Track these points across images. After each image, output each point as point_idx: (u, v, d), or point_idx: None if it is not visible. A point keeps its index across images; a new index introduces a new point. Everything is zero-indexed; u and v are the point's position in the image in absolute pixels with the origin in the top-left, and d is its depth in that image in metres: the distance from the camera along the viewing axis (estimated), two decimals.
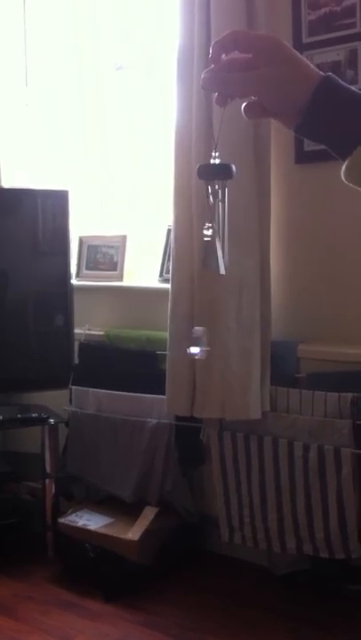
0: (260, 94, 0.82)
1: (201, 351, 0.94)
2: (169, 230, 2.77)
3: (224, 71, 0.83)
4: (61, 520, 2.73)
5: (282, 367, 2.50)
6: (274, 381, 2.48)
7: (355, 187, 0.81)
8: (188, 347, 0.95)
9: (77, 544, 2.64)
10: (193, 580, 2.64)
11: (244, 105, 0.84)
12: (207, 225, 0.88)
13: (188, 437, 2.66)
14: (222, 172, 0.88)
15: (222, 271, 0.88)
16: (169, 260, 2.71)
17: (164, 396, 2.61)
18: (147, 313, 2.92)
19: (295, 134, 0.84)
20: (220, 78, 0.83)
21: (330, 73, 0.81)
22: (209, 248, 0.89)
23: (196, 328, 0.95)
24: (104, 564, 2.58)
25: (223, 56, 0.83)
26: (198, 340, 0.94)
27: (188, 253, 2.53)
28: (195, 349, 0.94)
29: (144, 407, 2.74)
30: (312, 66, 0.82)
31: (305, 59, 0.82)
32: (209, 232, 0.88)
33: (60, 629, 2.37)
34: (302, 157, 2.53)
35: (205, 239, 0.88)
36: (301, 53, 0.84)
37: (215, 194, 0.88)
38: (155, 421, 2.69)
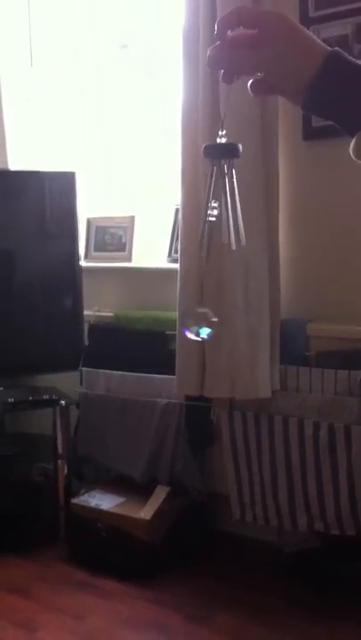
0: (267, 71, 0.81)
1: (209, 334, 0.90)
2: (177, 210, 2.76)
3: (230, 48, 0.82)
4: (74, 500, 2.75)
5: (291, 346, 2.49)
6: (283, 360, 2.47)
7: None
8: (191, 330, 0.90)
9: (89, 524, 2.66)
10: (203, 558, 2.65)
11: (250, 82, 0.83)
12: (212, 205, 0.87)
13: (198, 417, 2.66)
14: (229, 152, 0.86)
15: (235, 247, 0.87)
16: (177, 240, 2.70)
17: (174, 377, 2.61)
18: (155, 293, 2.92)
19: (302, 111, 0.83)
20: (226, 56, 0.82)
21: (337, 48, 0.80)
22: (217, 226, 0.87)
23: (197, 309, 0.92)
24: (116, 543, 2.59)
25: (228, 33, 0.82)
26: (202, 321, 0.91)
27: (196, 233, 2.52)
28: (204, 333, 0.90)
29: (154, 387, 2.74)
30: (318, 41, 0.80)
31: (311, 34, 0.81)
32: (214, 212, 0.87)
33: (72, 609, 2.39)
34: (310, 134, 2.50)
35: (210, 219, 0.87)
36: (308, 28, 0.83)
37: (222, 173, 0.87)
38: (165, 401, 2.69)
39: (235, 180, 0.86)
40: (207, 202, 0.87)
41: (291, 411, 2.42)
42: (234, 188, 0.86)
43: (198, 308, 0.91)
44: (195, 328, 0.89)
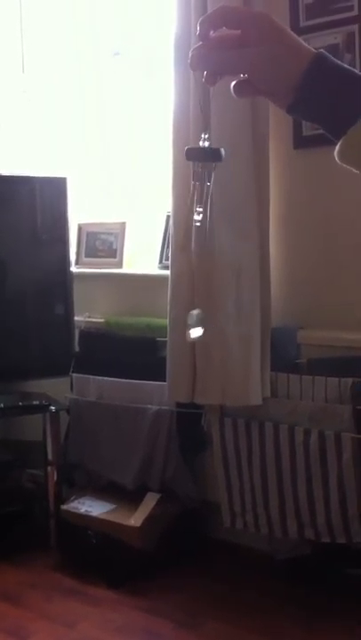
0: (251, 73, 0.79)
1: (200, 334, 0.91)
2: (168, 217, 2.76)
3: (213, 49, 0.80)
4: (64, 507, 2.74)
5: (282, 353, 2.50)
6: (274, 367, 2.48)
7: (349, 167, 0.79)
8: (188, 332, 0.91)
9: (80, 531, 2.65)
10: (195, 565, 2.65)
11: (233, 83, 0.81)
12: (197, 209, 0.87)
13: (189, 424, 2.66)
14: (211, 156, 0.86)
15: (211, 252, 0.87)
16: (168, 246, 2.70)
17: (165, 383, 2.61)
18: (147, 300, 2.92)
19: (288, 114, 0.81)
20: (209, 56, 0.80)
21: (322, 50, 0.79)
22: (200, 232, 0.88)
23: (192, 312, 0.92)
24: (106, 550, 2.59)
25: (212, 33, 0.80)
26: (196, 322, 0.91)
27: (187, 240, 2.52)
28: (195, 333, 0.91)
29: (145, 394, 2.74)
30: (303, 43, 0.79)
31: (295, 35, 0.79)
32: (199, 217, 0.87)
33: (63, 616, 2.38)
34: (301, 142, 2.51)
35: (196, 224, 0.87)
36: (299, 37, 0.82)
37: (203, 177, 0.86)
38: (155, 408, 2.69)
39: (211, 185, 0.86)
40: (191, 205, 0.87)
41: (282, 418, 2.42)
42: (209, 192, 0.86)
43: (195, 310, 0.92)
44: (196, 328, 0.91)
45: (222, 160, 0.85)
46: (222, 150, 0.85)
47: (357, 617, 2.28)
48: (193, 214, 0.87)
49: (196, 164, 0.86)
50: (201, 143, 0.87)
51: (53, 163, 3.30)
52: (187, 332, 0.91)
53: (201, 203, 0.87)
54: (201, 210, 0.86)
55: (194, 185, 0.87)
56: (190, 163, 0.87)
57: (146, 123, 3.10)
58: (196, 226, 0.87)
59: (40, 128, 3.36)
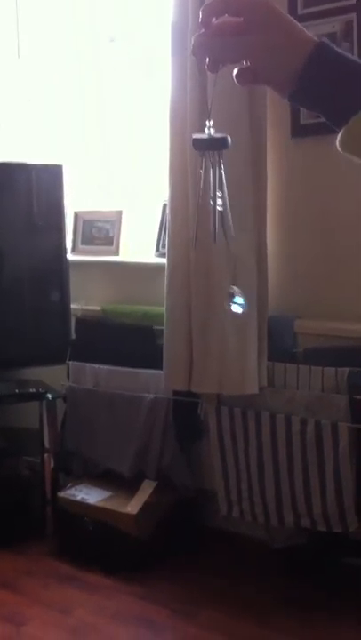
0: (253, 61, 0.79)
1: (243, 307, 0.91)
2: (165, 205, 2.75)
3: (215, 36, 0.79)
4: (61, 494, 2.75)
5: (279, 342, 2.50)
6: (271, 357, 2.48)
7: (350, 157, 0.79)
8: (228, 305, 0.91)
9: (76, 518, 2.66)
10: (190, 553, 2.66)
11: (235, 71, 0.81)
12: (219, 194, 0.86)
13: (185, 412, 2.67)
14: (217, 143, 0.86)
15: (221, 241, 0.87)
16: (165, 234, 2.69)
17: (162, 372, 2.61)
18: (143, 288, 2.91)
19: (289, 102, 0.81)
20: (211, 44, 0.80)
21: (324, 38, 0.79)
22: (205, 218, 0.88)
23: (232, 286, 0.93)
24: (103, 537, 2.60)
25: (214, 20, 0.79)
26: (234, 297, 0.92)
27: (184, 228, 2.52)
28: (236, 308, 0.91)
29: (141, 382, 2.75)
30: (305, 31, 0.79)
31: (297, 23, 0.79)
32: (219, 202, 0.87)
33: (59, 602, 2.40)
34: (299, 131, 2.50)
35: (219, 209, 0.87)
36: None
37: (211, 165, 0.86)
38: (152, 396, 2.70)
39: (223, 172, 0.86)
40: (209, 192, 0.87)
41: (278, 407, 2.43)
42: (223, 180, 0.86)
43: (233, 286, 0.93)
44: (236, 304, 0.91)
45: (229, 147, 0.85)
46: (228, 138, 0.85)
47: (353, 606, 2.30)
48: (199, 202, 0.87)
49: (205, 152, 0.86)
50: (206, 131, 0.86)
51: (50, 150, 3.28)
52: (229, 304, 0.91)
53: (209, 190, 0.86)
54: (220, 195, 0.86)
55: (205, 173, 0.86)
56: (188, 151, 0.87)
57: (143, 111, 3.08)
58: (199, 213, 0.87)
59: (36, 116, 3.34)
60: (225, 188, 0.86)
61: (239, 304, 0.91)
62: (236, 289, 0.92)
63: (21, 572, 2.58)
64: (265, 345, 2.48)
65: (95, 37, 3.18)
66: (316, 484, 2.34)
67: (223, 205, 0.87)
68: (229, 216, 0.87)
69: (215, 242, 0.87)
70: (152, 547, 2.59)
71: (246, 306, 0.91)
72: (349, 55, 0.78)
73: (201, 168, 0.85)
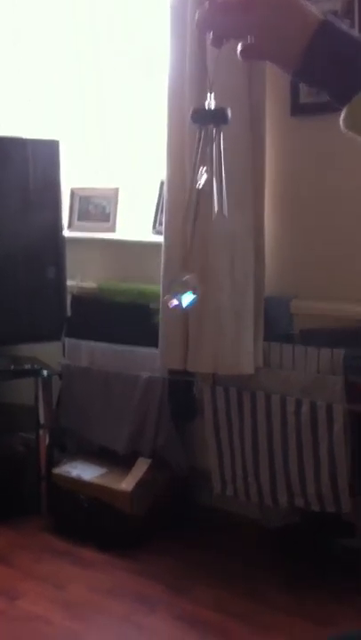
0: (259, 36, 0.79)
1: (191, 301, 0.84)
2: (162, 183, 2.73)
3: (220, 11, 0.79)
4: (56, 471, 2.77)
5: (275, 323, 2.50)
6: (267, 337, 2.49)
7: (353, 135, 0.79)
8: (172, 299, 0.85)
9: (71, 494, 2.68)
10: (184, 531, 2.69)
11: (239, 47, 0.80)
12: (202, 170, 0.85)
13: (180, 392, 2.68)
14: (217, 117, 0.85)
15: (225, 213, 0.86)
16: (162, 212, 2.68)
17: (157, 350, 2.61)
18: (139, 266, 2.90)
19: (293, 79, 0.82)
20: (215, 19, 0.79)
21: (329, 15, 0.78)
22: (203, 194, 0.85)
23: (180, 277, 0.86)
24: (97, 514, 2.62)
25: None
26: (186, 287, 0.85)
27: (181, 205, 2.50)
28: (186, 299, 0.84)
29: (137, 361, 2.75)
30: (310, 6, 0.78)
31: None
32: (202, 178, 0.85)
33: (53, 577, 2.42)
34: (298, 110, 2.48)
35: (198, 186, 0.85)
36: None
37: (210, 139, 0.85)
38: (147, 375, 2.70)
39: (222, 147, 0.85)
40: (195, 168, 0.85)
41: (273, 388, 2.44)
42: (221, 154, 0.85)
43: (183, 274, 0.87)
44: (178, 295, 0.85)
45: (228, 122, 0.84)
46: (229, 111, 0.84)
47: (344, 585, 2.33)
48: (197, 177, 0.85)
49: (202, 126, 0.85)
50: (206, 104, 0.85)
51: (47, 125, 3.24)
52: (171, 299, 0.85)
53: (210, 165, 0.85)
54: (205, 170, 0.85)
55: (197, 146, 0.85)
56: (186, 129, 0.85)
57: (141, 86, 3.04)
58: (198, 189, 0.85)
59: (32, 91, 3.29)
60: (223, 162, 0.85)
61: (187, 299, 0.84)
62: (190, 280, 0.86)
63: (16, 547, 2.60)
64: (261, 325, 2.48)
65: (93, 10, 3.13)
66: (311, 464, 2.36)
67: (219, 179, 0.85)
68: (224, 190, 0.85)
69: (217, 214, 0.85)
70: (146, 523, 2.61)
71: (193, 304, 0.84)
72: (354, 32, 0.78)
73: (198, 141, 0.84)
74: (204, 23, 0.80)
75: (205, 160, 0.85)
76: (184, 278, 0.87)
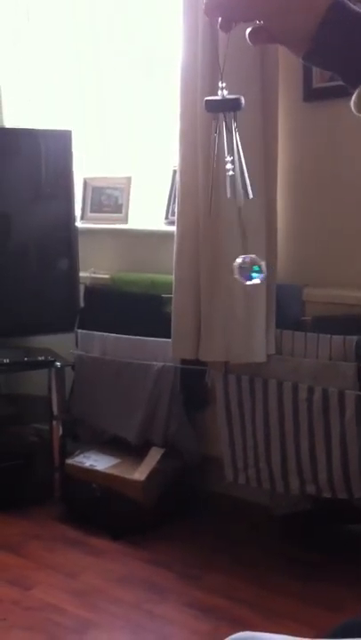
0: (267, 19, 0.78)
1: (262, 277, 0.88)
2: (174, 172, 2.73)
3: None
4: (69, 461, 2.77)
5: (287, 310, 2.49)
6: (279, 325, 2.47)
7: None
8: (240, 276, 0.89)
9: (84, 484, 2.68)
10: (196, 519, 2.68)
11: (248, 30, 0.80)
12: (229, 158, 0.85)
13: (192, 381, 2.67)
14: (230, 104, 0.84)
15: (251, 195, 0.86)
16: (174, 202, 2.67)
17: (170, 340, 2.61)
18: (152, 256, 2.90)
19: (303, 62, 0.80)
20: (224, 2, 0.78)
21: None
22: (232, 180, 0.86)
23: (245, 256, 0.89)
24: (110, 503, 2.62)
25: None
26: (248, 268, 0.89)
27: (193, 195, 2.49)
28: (255, 279, 0.88)
29: (149, 350, 2.74)
30: None
31: None
32: (229, 166, 0.86)
33: (65, 566, 2.42)
34: (311, 95, 2.46)
35: (229, 173, 0.86)
36: None
37: (228, 128, 0.85)
38: (160, 365, 2.69)
39: (237, 134, 0.85)
40: (214, 157, 0.85)
41: (285, 375, 2.42)
42: (237, 141, 0.85)
43: (245, 256, 0.89)
44: (254, 274, 0.88)
45: (242, 108, 0.84)
46: (242, 99, 0.84)
47: (355, 572, 2.31)
48: (213, 167, 0.86)
49: (218, 115, 0.85)
50: (219, 92, 0.85)
51: (58, 116, 3.25)
52: (241, 278, 0.88)
53: (230, 153, 0.85)
54: (230, 160, 0.85)
55: (218, 136, 0.85)
56: (199, 118, 0.85)
57: (153, 75, 3.04)
58: (229, 175, 0.86)
59: (45, 80, 3.30)
60: (241, 151, 0.85)
61: (258, 274, 0.88)
62: (248, 258, 0.89)
63: (29, 537, 2.61)
64: (273, 313, 2.47)
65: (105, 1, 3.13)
66: (322, 450, 2.34)
67: (240, 168, 0.86)
68: (247, 179, 0.86)
69: (239, 204, 0.86)
70: (158, 512, 2.61)
71: (264, 273, 0.88)
72: None
73: (215, 132, 0.84)
74: (213, 7, 0.79)
75: (226, 149, 0.85)
76: (249, 259, 0.89)
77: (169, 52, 2.83)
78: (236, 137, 0.85)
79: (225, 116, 0.85)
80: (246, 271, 0.89)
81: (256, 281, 0.89)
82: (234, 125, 0.85)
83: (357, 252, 2.45)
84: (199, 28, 2.40)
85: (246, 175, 0.86)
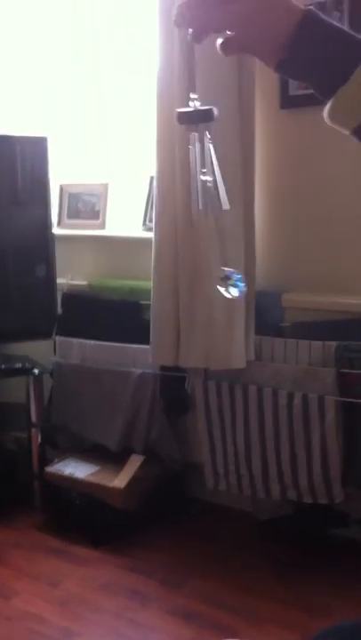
0: (239, 30, 0.77)
1: (240, 292, 0.88)
2: (152, 178, 2.73)
3: (198, 5, 0.77)
4: (48, 469, 2.76)
5: (267, 317, 2.50)
6: (259, 331, 2.48)
7: (338, 128, 0.78)
8: (222, 288, 0.89)
9: (64, 492, 2.67)
10: (177, 526, 2.68)
11: (220, 41, 0.79)
12: (202, 170, 0.85)
13: (172, 387, 2.67)
14: (203, 116, 0.84)
15: (226, 207, 0.86)
16: (152, 208, 2.67)
17: (149, 346, 2.61)
18: (130, 262, 2.90)
19: (276, 72, 0.79)
20: (194, 13, 0.77)
21: (311, 6, 0.77)
22: (207, 191, 0.86)
23: (224, 268, 0.90)
24: (90, 511, 2.61)
25: None
26: (228, 279, 0.89)
27: (171, 202, 2.50)
28: (233, 291, 0.88)
29: (128, 357, 2.74)
30: None
31: None
32: (205, 177, 0.86)
33: (46, 575, 2.41)
34: (287, 102, 2.47)
35: (204, 184, 0.86)
36: None
37: (200, 138, 0.85)
38: (139, 371, 2.69)
39: (211, 146, 0.85)
40: (192, 167, 0.85)
41: (265, 381, 2.43)
42: (211, 152, 0.85)
43: (224, 268, 0.90)
44: (233, 287, 0.89)
45: (214, 119, 0.84)
46: (214, 109, 0.84)
47: (338, 576, 2.33)
48: (196, 177, 0.86)
49: (192, 126, 0.85)
50: (191, 104, 0.84)
51: (33, 123, 3.23)
52: (224, 288, 0.88)
53: (204, 165, 0.85)
54: (205, 171, 0.85)
55: (188, 149, 0.85)
56: (176, 124, 0.85)
57: (129, 82, 3.04)
58: (205, 186, 0.86)
59: (19, 87, 3.28)
60: (215, 162, 0.85)
61: (237, 286, 0.88)
62: (227, 270, 0.89)
63: (8, 545, 2.59)
64: (253, 319, 2.48)
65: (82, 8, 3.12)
66: (303, 456, 2.36)
67: (214, 180, 0.86)
68: (221, 191, 0.86)
69: (204, 217, 0.86)
70: (139, 519, 2.61)
71: (244, 287, 0.88)
72: (337, 24, 0.77)
73: (190, 144, 0.84)
74: (182, 19, 0.78)
75: (199, 161, 0.85)
76: (231, 272, 0.90)
77: (146, 59, 2.83)
78: (210, 148, 0.85)
79: (199, 128, 0.84)
80: (229, 284, 0.89)
81: (236, 294, 0.89)
82: (208, 137, 0.84)
83: (336, 258, 2.48)
84: (175, 35, 2.41)
85: (221, 187, 0.86)
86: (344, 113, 0.76)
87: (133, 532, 2.59)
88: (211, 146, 0.85)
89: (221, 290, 0.89)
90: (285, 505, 2.52)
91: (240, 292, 0.89)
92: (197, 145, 0.85)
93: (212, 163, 0.86)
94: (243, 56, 2.12)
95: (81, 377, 2.83)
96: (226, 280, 0.89)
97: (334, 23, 0.77)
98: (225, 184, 0.85)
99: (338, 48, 0.75)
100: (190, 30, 0.79)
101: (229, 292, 0.88)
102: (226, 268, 0.89)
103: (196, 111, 0.84)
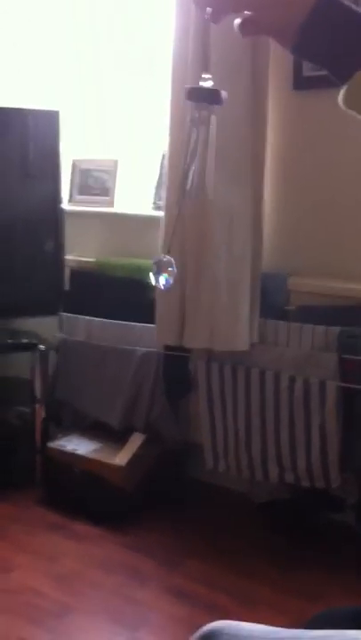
0: (256, 11, 0.77)
1: (167, 283, 0.87)
2: (163, 156, 2.70)
3: None
4: (51, 445, 2.77)
5: (272, 299, 2.48)
6: (263, 313, 2.47)
7: (353, 113, 0.77)
8: (152, 273, 0.87)
9: (65, 468, 2.68)
10: (176, 505, 2.69)
11: (237, 21, 0.79)
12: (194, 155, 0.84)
13: (175, 367, 2.67)
14: (211, 97, 0.83)
15: (209, 196, 0.85)
16: (162, 187, 2.65)
17: (154, 325, 2.60)
18: (138, 241, 2.88)
19: (292, 54, 0.79)
20: None
21: None
22: (190, 175, 0.85)
23: (165, 255, 0.87)
24: (91, 488, 2.62)
25: None
26: (162, 269, 0.87)
27: (181, 181, 2.47)
28: (161, 280, 0.86)
29: (133, 335, 2.74)
30: None
31: None
32: (193, 164, 0.85)
33: (46, 550, 2.42)
34: (301, 83, 2.44)
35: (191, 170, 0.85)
36: None
37: (203, 118, 0.84)
38: (143, 350, 2.69)
39: (211, 128, 0.83)
40: (187, 147, 0.84)
41: (268, 364, 2.42)
42: (208, 135, 0.83)
43: (164, 256, 0.88)
44: (156, 275, 0.87)
45: (223, 103, 0.82)
46: (224, 93, 0.83)
47: (333, 560, 2.34)
48: (189, 158, 0.84)
49: (195, 105, 0.83)
50: (201, 83, 0.83)
51: (46, 96, 3.21)
52: (156, 280, 0.87)
53: (201, 145, 0.84)
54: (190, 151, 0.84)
55: (191, 128, 0.84)
56: (187, 104, 0.84)
57: (143, 57, 3.01)
58: (192, 170, 0.85)
59: (33, 61, 3.25)
60: (212, 144, 0.84)
61: (162, 280, 0.86)
62: (166, 260, 0.87)
63: (10, 520, 2.61)
64: (257, 302, 2.47)
65: None
66: (302, 440, 2.36)
67: (204, 166, 0.84)
68: (208, 178, 0.85)
69: (186, 199, 0.85)
70: (139, 497, 2.62)
71: (169, 284, 0.86)
72: (354, 7, 0.76)
73: (190, 122, 0.83)
74: None
75: (193, 144, 0.84)
76: (164, 259, 0.88)
77: (162, 31, 2.79)
78: (209, 132, 0.83)
79: (204, 107, 0.83)
80: (159, 271, 0.87)
81: (162, 285, 0.87)
82: (212, 118, 0.83)
83: (343, 243, 2.45)
84: (191, 14, 2.37)
85: (210, 175, 0.85)
86: (359, 97, 0.75)
87: (133, 510, 2.61)
88: (213, 131, 0.84)
89: (150, 274, 0.87)
90: (283, 488, 2.52)
91: (165, 286, 0.87)
92: (201, 128, 0.84)
93: (206, 146, 0.84)
94: (259, 37, 2.09)
95: (85, 354, 2.83)
96: (160, 266, 0.87)
97: (352, 6, 0.76)
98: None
99: (354, 31, 0.75)
100: (209, 10, 0.79)
101: (158, 281, 0.87)
102: (167, 256, 0.87)
103: (207, 90, 0.83)
